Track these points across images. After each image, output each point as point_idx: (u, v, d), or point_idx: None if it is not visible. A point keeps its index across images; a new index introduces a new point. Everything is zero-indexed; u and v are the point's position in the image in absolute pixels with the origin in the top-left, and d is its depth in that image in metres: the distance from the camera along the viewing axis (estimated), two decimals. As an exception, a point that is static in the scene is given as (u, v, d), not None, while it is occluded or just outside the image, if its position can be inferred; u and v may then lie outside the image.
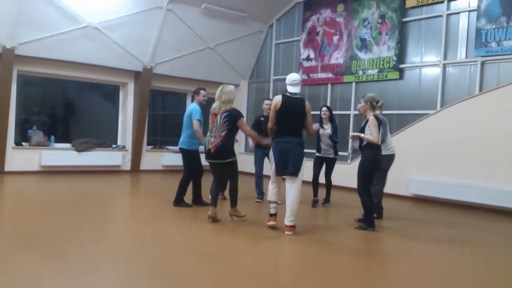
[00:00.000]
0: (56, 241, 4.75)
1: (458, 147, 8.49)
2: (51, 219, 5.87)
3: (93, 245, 4.71)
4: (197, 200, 7.24)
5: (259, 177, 8.04)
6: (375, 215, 6.26)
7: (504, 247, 5.68)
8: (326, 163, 7.90)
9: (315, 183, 7.89)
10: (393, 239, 5.73)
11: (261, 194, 8.01)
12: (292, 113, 5.59)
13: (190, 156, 7.04)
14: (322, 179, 7.87)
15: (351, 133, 6.49)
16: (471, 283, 4.13)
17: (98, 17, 10.24)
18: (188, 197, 7.18)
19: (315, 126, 7.07)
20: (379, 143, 5.97)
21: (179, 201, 7.10)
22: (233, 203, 6.16)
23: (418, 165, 9.00)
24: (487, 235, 6.31)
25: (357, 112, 6.39)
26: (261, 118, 7.90)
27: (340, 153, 8.05)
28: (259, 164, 8.02)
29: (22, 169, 10.20)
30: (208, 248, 4.90)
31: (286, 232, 5.50)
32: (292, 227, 5.52)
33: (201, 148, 6.57)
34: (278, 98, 5.65)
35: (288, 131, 5.58)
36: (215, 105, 5.98)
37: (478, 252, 5.28)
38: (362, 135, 6.01)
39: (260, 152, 7.92)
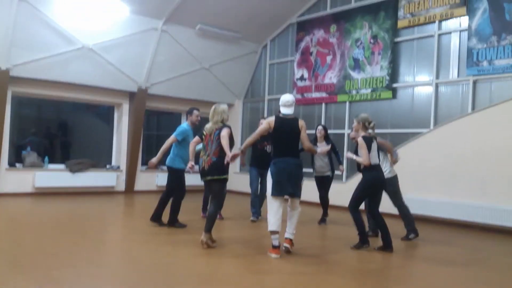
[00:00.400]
0: (50, 264, 4.69)
1: (452, 165, 8.52)
2: (45, 241, 5.81)
3: (87, 268, 4.66)
4: (173, 221, 7.03)
5: (255, 196, 8.02)
6: (413, 235, 6.55)
7: (498, 265, 5.66)
8: (322, 181, 7.94)
9: (324, 202, 8.00)
10: (392, 260, 5.70)
11: (256, 213, 7.98)
12: (287, 134, 5.55)
13: (174, 174, 7.02)
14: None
15: (346, 154, 6.51)
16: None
17: (93, 39, 10.31)
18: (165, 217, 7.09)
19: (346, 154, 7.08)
20: (372, 164, 5.89)
21: (173, 222, 7.04)
22: (208, 227, 5.67)
23: (412, 183, 9.00)
24: (481, 253, 6.30)
25: (352, 132, 6.37)
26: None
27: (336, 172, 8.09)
28: (255, 183, 8.01)
29: (16, 190, 10.12)
30: (201, 270, 4.85)
31: (285, 245, 5.48)
32: (291, 240, 5.54)
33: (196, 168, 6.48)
34: (271, 119, 5.61)
35: (285, 152, 5.54)
36: (207, 126, 5.88)
37: (472, 271, 5.26)
38: (354, 156, 6.03)
39: (255, 171, 7.92)
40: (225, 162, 5.56)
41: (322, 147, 7.54)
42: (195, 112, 7.18)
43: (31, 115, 11.84)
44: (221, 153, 5.66)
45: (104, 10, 10.20)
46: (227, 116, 5.91)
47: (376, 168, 5.99)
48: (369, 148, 5.87)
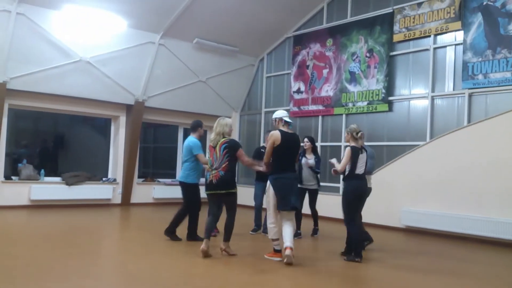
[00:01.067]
0: (45, 277, 4.67)
1: (448, 177, 8.53)
2: (40, 254, 5.78)
3: (82, 281, 4.62)
4: (192, 235, 7.03)
5: (258, 210, 8.06)
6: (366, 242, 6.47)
7: (494, 278, 5.65)
8: (309, 193, 7.91)
9: (297, 216, 7.75)
10: (385, 271, 5.69)
11: (258, 226, 8.04)
12: (290, 149, 5.83)
13: (189, 190, 6.98)
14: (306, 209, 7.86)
15: (329, 160, 6.54)
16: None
17: (90, 52, 10.35)
18: (181, 231, 7.08)
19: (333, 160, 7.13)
20: (356, 173, 6.06)
21: (171, 232, 7.00)
22: (227, 237, 5.99)
23: (409, 196, 9.02)
24: (477, 266, 6.29)
25: (347, 144, 6.44)
26: (262, 150, 7.96)
27: (322, 183, 8.12)
28: (259, 197, 8.00)
29: (11, 203, 10.05)
30: (200, 283, 4.83)
31: (287, 251, 5.53)
32: (291, 248, 5.59)
33: (202, 180, 6.60)
34: (276, 134, 5.79)
35: (286, 166, 5.81)
36: (212, 137, 6.11)
37: (468, 284, 5.25)
38: (335, 162, 6.25)
39: (261, 186, 7.88)
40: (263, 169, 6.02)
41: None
42: (200, 128, 7.23)
43: (27, 128, 11.82)
44: (229, 167, 5.89)
45: (102, 24, 10.27)
46: (230, 129, 6.09)
47: (358, 177, 6.12)
48: (356, 158, 6.03)
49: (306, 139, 7.99)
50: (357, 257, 5.97)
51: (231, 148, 5.93)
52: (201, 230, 7.01)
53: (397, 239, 8.08)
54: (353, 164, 6.04)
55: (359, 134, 6.15)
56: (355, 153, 6.02)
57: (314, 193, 7.96)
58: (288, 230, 5.67)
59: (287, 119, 6.00)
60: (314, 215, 8.06)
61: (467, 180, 8.28)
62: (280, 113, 6.06)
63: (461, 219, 8.25)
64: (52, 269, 5.01)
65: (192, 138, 7.05)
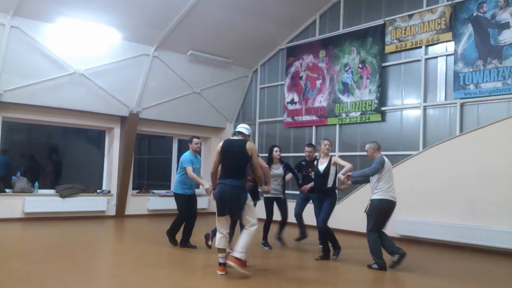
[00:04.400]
0: (39, 291, 4.64)
1: (441, 186, 8.60)
2: (33, 267, 5.75)
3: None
4: (184, 242, 7.41)
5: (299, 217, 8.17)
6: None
7: (465, 277, 5.68)
8: (276, 202, 7.91)
9: (266, 227, 7.83)
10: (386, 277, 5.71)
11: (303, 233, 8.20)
12: (232, 156, 5.64)
13: (179, 200, 7.43)
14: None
15: (343, 176, 6.46)
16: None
17: (85, 64, 10.38)
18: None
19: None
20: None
21: (171, 239, 7.48)
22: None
23: (403, 205, 9.02)
24: (472, 275, 6.32)
25: (341, 154, 6.61)
26: (302, 163, 8.16)
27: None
28: (298, 205, 8.17)
29: (5, 216, 9.99)
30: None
31: (230, 263, 5.37)
32: (240, 261, 5.40)
33: (198, 191, 6.81)
34: (220, 143, 5.85)
35: (227, 174, 5.63)
36: None
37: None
38: (347, 172, 6.38)
39: (302, 196, 8.10)
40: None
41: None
42: (195, 139, 7.49)
43: (21, 140, 11.80)
44: None
45: (96, 37, 10.32)
46: None
47: None
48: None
49: (276, 148, 7.97)
50: (334, 255, 6.70)
51: None
52: (196, 240, 7.07)
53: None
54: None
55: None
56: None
57: (282, 202, 7.94)
58: (242, 236, 5.58)
59: (237, 129, 5.93)
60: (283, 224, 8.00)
61: (460, 189, 8.35)
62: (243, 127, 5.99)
63: (454, 228, 8.31)
64: (46, 283, 4.99)
65: (186, 153, 7.46)
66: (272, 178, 7.54)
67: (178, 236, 7.49)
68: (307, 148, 8.11)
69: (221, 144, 5.78)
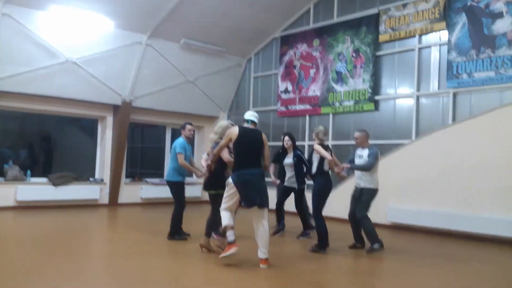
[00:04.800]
0: (32, 279, 4.64)
1: (434, 175, 8.66)
2: (26, 256, 5.75)
3: (70, 283, 4.62)
4: (173, 233, 7.11)
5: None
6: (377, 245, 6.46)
7: (482, 274, 5.76)
8: (293, 193, 7.88)
9: (278, 211, 7.96)
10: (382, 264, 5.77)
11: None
12: (251, 145, 5.61)
13: (176, 187, 7.15)
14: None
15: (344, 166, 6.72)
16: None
17: (77, 52, 10.29)
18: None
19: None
20: (325, 170, 6.59)
21: (173, 234, 7.05)
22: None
23: (395, 193, 9.11)
24: (463, 262, 6.40)
25: (334, 143, 6.72)
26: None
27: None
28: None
29: (-3, 204, 9.99)
30: (189, 282, 4.85)
31: (262, 265, 5.37)
32: (267, 260, 5.41)
33: (190, 180, 6.72)
34: (234, 130, 5.63)
35: (249, 162, 5.54)
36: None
37: (454, 278, 5.36)
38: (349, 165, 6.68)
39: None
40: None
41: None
42: (188, 126, 7.34)
43: (13, 129, 11.73)
44: None
45: (89, 25, 10.22)
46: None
47: (328, 174, 6.65)
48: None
49: (287, 137, 7.95)
50: (322, 250, 6.44)
51: None
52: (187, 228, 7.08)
53: (384, 235, 8.16)
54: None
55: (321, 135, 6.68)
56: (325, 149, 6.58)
57: (296, 193, 7.85)
58: (261, 233, 5.41)
59: (248, 118, 5.83)
60: (301, 216, 7.86)
61: (452, 177, 8.42)
62: (251, 114, 5.92)
63: (447, 216, 8.39)
64: (40, 271, 4.99)
65: (178, 139, 7.27)
66: (285, 167, 7.85)
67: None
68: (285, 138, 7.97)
69: (235, 131, 5.59)
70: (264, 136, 5.74)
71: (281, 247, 6.93)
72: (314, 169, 6.76)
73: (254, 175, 5.48)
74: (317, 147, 6.54)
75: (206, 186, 6.44)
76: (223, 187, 5.79)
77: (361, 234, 6.76)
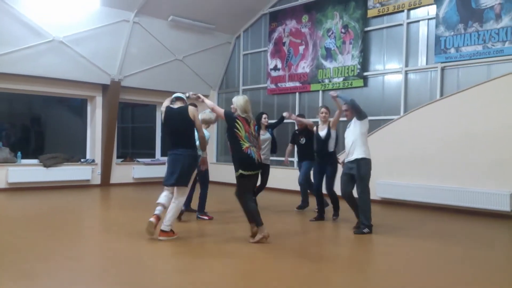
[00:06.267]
0: (25, 259, 4.68)
1: (422, 150, 8.76)
2: (19, 236, 5.79)
3: (62, 262, 4.67)
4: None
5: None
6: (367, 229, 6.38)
7: (471, 244, 5.89)
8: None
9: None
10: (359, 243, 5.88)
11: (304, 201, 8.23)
12: (173, 125, 5.78)
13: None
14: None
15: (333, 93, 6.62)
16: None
17: (63, 31, 10.16)
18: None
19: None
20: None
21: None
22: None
23: (384, 169, 9.21)
24: (454, 235, 6.53)
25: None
26: (296, 132, 8.28)
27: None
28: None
29: (-12, 186, 9.99)
30: (181, 262, 4.92)
31: (160, 237, 5.58)
32: (167, 233, 5.63)
33: None
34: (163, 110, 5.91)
35: (172, 143, 5.81)
36: (244, 115, 5.64)
37: (444, 249, 5.48)
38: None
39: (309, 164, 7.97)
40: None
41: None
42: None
43: (1, 110, 11.62)
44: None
45: (74, 2, 10.08)
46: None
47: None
48: None
49: (265, 115, 8.24)
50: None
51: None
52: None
53: (374, 211, 8.29)
54: None
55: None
56: None
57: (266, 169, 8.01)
58: (170, 207, 5.74)
59: (174, 96, 6.02)
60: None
61: (441, 151, 8.52)
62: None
63: (437, 190, 8.51)
64: (31, 251, 5.03)
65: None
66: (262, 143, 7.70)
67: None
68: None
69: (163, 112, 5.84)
70: (191, 110, 5.76)
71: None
72: (331, 147, 7.12)
73: (173, 155, 5.74)
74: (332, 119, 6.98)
75: None
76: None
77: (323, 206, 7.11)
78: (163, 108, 5.93)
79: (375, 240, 6.01)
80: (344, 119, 6.95)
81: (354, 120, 6.44)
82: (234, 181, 5.69)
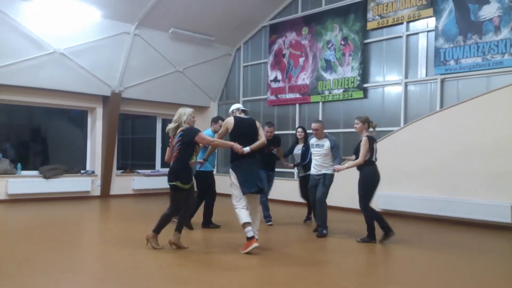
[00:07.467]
0: (23, 271, 4.66)
1: (422, 161, 8.75)
2: (18, 248, 5.76)
3: (61, 274, 4.64)
4: (207, 223, 7.43)
5: (266, 199, 8.00)
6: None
7: (467, 257, 5.86)
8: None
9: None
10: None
11: (269, 216, 8.01)
12: (246, 134, 5.86)
13: (203, 178, 7.29)
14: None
15: (336, 167, 6.79)
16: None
17: (64, 43, 10.22)
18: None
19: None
20: (372, 159, 6.54)
21: (207, 223, 7.40)
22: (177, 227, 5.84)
23: (385, 180, 9.13)
24: (452, 246, 6.50)
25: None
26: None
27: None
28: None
29: (-12, 198, 9.96)
30: (179, 272, 4.89)
31: (255, 244, 5.51)
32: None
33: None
34: (230, 121, 5.88)
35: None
36: (169, 126, 5.85)
37: (441, 260, 5.46)
38: (346, 165, 6.67)
39: (264, 174, 7.64)
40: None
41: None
42: (220, 121, 7.25)
43: (2, 122, 11.64)
44: (178, 157, 5.68)
45: (75, 15, 10.14)
46: (187, 118, 5.79)
47: (375, 164, 6.58)
48: (372, 147, 6.48)
49: (300, 129, 8.28)
50: (372, 239, 6.44)
51: (185, 136, 5.63)
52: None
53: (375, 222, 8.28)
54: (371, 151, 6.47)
55: (374, 124, 6.72)
56: (372, 142, 6.52)
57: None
58: (258, 215, 5.89)
59: (242, 108, 6.14)
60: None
61: (440, 163, 8.51)
62: (235, 105, 6.18)
63: (435, 202, 8.49)
64: (31, 263, 5.01)
65: (208, 131, 7.45)
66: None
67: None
68: (267, 128, 7.83)
69: (232, 121, 5.83)
70: (258, 123, 6.02)
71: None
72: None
73: (251, 164, 5.81)
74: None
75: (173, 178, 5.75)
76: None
77: (386, 222, 6.56)
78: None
79: (376, 250, 5.97)
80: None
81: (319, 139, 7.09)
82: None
